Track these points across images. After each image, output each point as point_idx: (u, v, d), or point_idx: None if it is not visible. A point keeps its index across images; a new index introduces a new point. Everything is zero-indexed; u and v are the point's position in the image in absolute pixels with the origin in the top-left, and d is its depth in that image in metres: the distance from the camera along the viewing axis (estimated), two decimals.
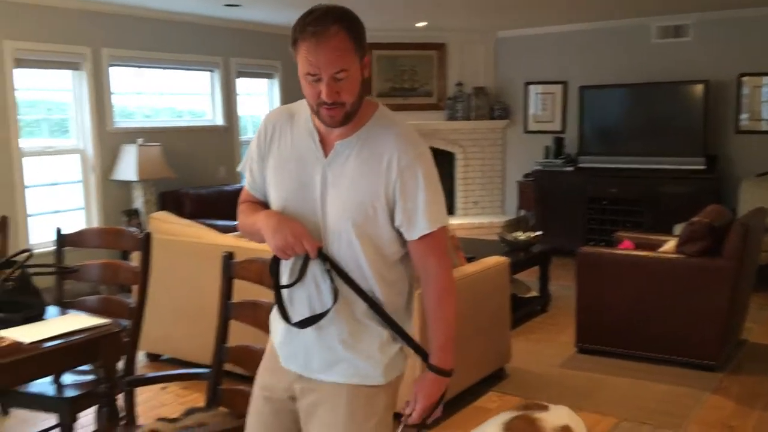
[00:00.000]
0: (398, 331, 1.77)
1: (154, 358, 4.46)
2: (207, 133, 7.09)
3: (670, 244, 4.44)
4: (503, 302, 4.08)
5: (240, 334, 2.42)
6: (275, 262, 1.76)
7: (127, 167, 6.01)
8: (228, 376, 2.44)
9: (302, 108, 1.78)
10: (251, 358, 2.27)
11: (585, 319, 4.49)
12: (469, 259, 4.10)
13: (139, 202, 6.18)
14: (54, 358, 2.32)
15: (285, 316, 1.78)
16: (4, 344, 2.25)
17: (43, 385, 2.72)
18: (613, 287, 4.39)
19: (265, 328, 2.22)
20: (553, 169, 7.79)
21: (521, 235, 5.54)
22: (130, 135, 6.23)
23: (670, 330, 4.25)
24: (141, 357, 4.39)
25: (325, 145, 1.74)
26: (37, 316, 2.55)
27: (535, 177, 7.89)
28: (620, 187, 7.25)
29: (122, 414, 2.63)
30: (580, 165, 7.65)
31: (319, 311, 1.73)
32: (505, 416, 2.25)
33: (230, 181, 7.14)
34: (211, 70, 7.13)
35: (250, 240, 1.85)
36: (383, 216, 1.70)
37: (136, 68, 6.53)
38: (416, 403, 1.79)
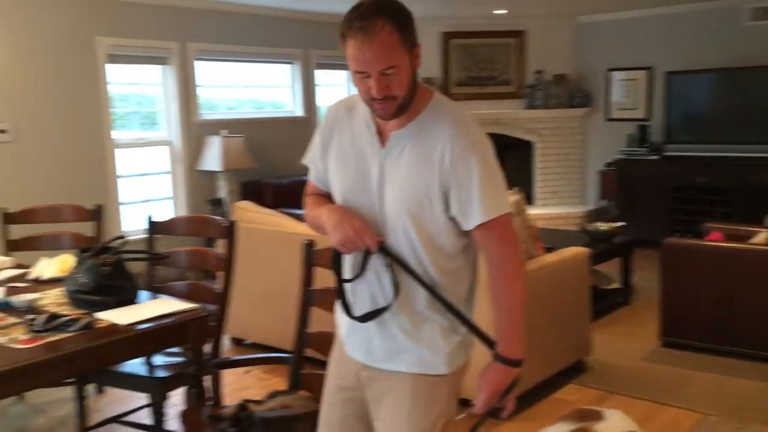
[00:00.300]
0: (462, 320, 1.76)
1: (238, 342, 4.61)
2: (287, 124, 7.24)
3: (761, 236, 4.25)
4: (583, 293, 4.02)
5: (320, 320, 2.47)
6: (337, 256, 1.79)
7: (212, 158, 6.21)
8: (308, 361, 2.50)
9: (360, 102, 1.78)
10: (331, 343, 2.32)
11: (669, 312, 4.37)
12: (548, 250, 4.05)
13: (223, 191, 6.37)
14: (145, 339, 2.44)
15: (347, 310, 1.80)
16: (100, 326, 2.38)
17: (135, 366, 2.87)
18: (700, 280, 4.24)
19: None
20: (637, 158, 7.56)
21: (603, 226, 5.42)
22: (215, 126, 6.43)
23: (759, 325, 4.08)
24: (225, 341, 4.55)
25: (382, 136, 1.74)
26: (130, 299, 2.68)
27: (617, 166, 7.68)
28: (709, 176, 6.97)
29: (209, 395, 2.74)
30: (666, 153, 7.39)
31: (381, 305, 1.74)
32: (563, 429, 2.19)
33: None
34: (291, 63, 7.27)
35: (316, 232, 1.88)
36: (438, 207, 1.69)
37: (220, 62, 6.72)
38: (481, 392, 1.77)
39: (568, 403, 3.55)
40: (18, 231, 3.78)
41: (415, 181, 1.69)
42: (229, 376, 3.92)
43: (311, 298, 2.46)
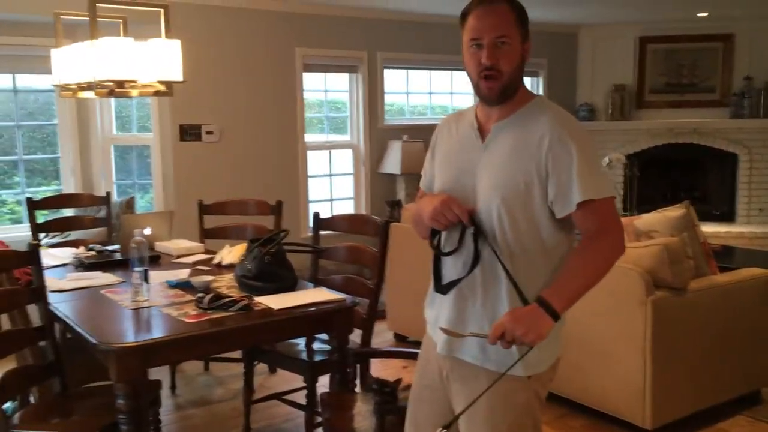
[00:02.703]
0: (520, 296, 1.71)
1: (401, 338, 4.79)
2: None
3: None
4: (764, 319, 3.69)
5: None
6: (433, 235, 1.83)
7: (393, 161, 6.50)
8: None
9: (471, 109, 1.89)
10: None
11: None
12: (724, 269, 3.77)
13: (401, 193, 6.64)
14: (293, 324, 2.68)
15: (438, 281, 1.84)
16: (257, 308, 2.65)
17: (297, 349, 3.14)
18: None
19: None
20: None
21: None
22: (398, 131, 6.71)
23: None
24: (389, 336, 4.75)
25: (484, 133, 1.80)
26: (289, 287, 2.93)
27: None
28: None
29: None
30: None
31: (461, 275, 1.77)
32: None
33: None
34: None
35: (419, 234, 1.93)
36: (536, 193, 1.71)
37: (406, 69, 6.99)
38: (503, 319, 1.68)
39: None
40: (212, 221, 4.26)
41: (512, 167, 1.73)
42: (388, 369, 4.10)
43: None
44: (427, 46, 6.93)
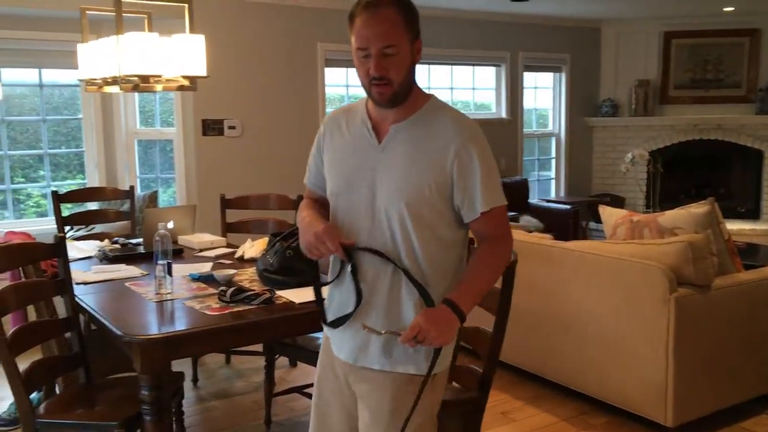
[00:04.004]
0: (424, 296, 1.72)
1: None
2: (491, 126, 7.30)
3: None
4: None
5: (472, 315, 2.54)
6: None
7: None
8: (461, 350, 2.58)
9: (360, 104, 1.85)
10: (480, 338, 2.40)
11: None
12: (748, 267, 3.73)
13: None
14: (315, 318, 2.68)
15: (322, 314, 1.87)
16: (278, 302, 2.67)
17: (319, 344, 3.13)
18: None
19: (493, 311, 2.34)
20: None
21: None
22: None
23: None
24: None
25: (379, 133, 1.79)
26: (309, 282, 2.94)
27: None
28: None
29: None
30: None
31: (348, 311, 1.78)
32: None
33: (510, 173, 7.30)
34: (498, 65, 7.33)
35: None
36: (440, 196, 1.72)
37: (430, 65, 6.97)
38: (415, 320, 1.68)
39: None
40: (234, 215, 4.29)
41: (416, 170, 1.72)
42: None
43: None
44: (448, 41, 6.91)
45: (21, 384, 2.42)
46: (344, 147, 1.85)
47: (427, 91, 1.83)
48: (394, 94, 1.71)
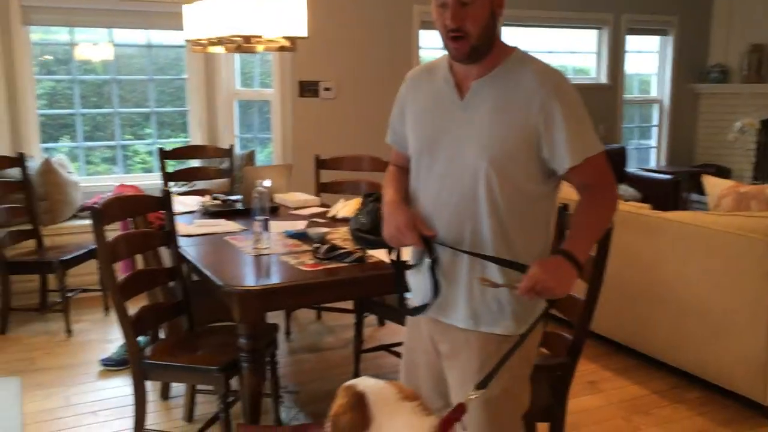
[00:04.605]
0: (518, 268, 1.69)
1: None
2: (590, 92, 7.05)
3: None
4: None
5: None
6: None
7: None
8: (551, 318, 2.57)
9: (443, 61, 1.80)
10: (572, 306, 2.37)
11: None
12: None
13: None
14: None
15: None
16: (370, 261, 2.72)
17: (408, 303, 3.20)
18: None
19: (586, 279, 2.31)
20: None
21: None
22: None
23: None
24: None
25: (461, 89, 1.74)
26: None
27: None
28: None
29: None
30: None
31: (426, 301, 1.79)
32: None
33: (609, 140, 7.07)
34: (599, 28, 7.07)
35: None
36: (526, 152, 1.67)
37: (528, 27, 6.81)
38: (532, 271, 1.64)
39: None
40: (328, 176, 4.38)
41: (499, 127, 1.68)
42: None
43: None
44: (547, 3, 6.71)
45: (130, 327, 2.59)
46: (427, 105, 1.83)
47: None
48: (472, 48, 1.66)
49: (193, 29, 3.56)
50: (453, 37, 1.66)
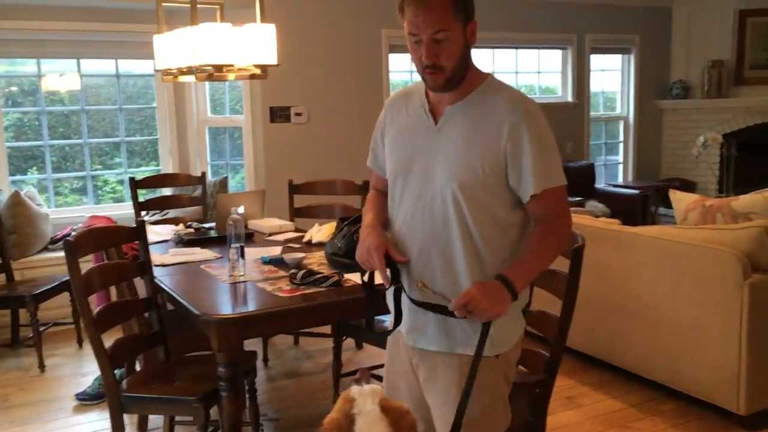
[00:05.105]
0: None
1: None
2: (557, 110, 7.19)
3: None
4: None
5: (539, 299, 2.55)
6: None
7: None
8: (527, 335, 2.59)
9: (419, 87, 1.85)
10: (547, 322, 2.40)
11: None
12: None
13: None
14: (382, 301, 2.73)
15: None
16: (347, 285, 2.74)
17: (385, 326, 3.20)
18: None
19: (561, 296, 2.34)
20: None
21: None
22: None
23: None
24: None
25: (436, 114, 1.79)
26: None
27: None
28: None
29: None
30: None
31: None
32: None
33: (576, 157, 7.18)
34: (564, 48, 7.21)
35: None
36: (495, 177, 1.71)
37: (493, 49, 6.92)
38: (469, 290, 1.69)
39: None
40: (302, 200, 4.39)
41: (469, 151, 1.72)
42: None
43: None
44: (512, 25, 6.83)
45: (106, 359, 2.56)
46: (404, 129, 1.88)
47: (485, 71, 1.83)
48: (447, 80, 1.72)
49: (164, 59, 3.57)
50: (429, 72, 1.72)
